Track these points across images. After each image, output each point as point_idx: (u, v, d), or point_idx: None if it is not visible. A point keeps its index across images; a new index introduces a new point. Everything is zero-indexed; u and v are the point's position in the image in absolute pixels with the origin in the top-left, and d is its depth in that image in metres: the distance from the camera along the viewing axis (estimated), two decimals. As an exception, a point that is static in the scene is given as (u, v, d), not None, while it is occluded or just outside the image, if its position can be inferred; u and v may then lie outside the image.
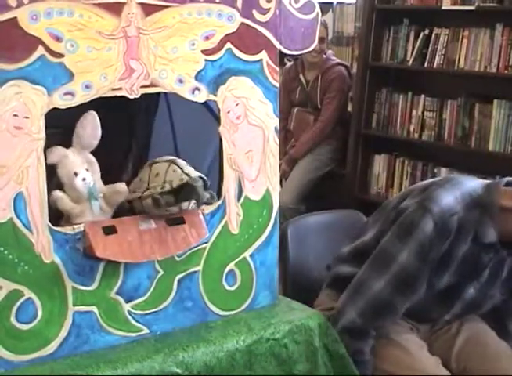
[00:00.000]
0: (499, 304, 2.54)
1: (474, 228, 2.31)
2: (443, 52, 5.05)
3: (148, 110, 2.33)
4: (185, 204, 1.97)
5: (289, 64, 5.50)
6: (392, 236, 2.31)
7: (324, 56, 5.29)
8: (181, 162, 2.02)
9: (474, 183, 2.40)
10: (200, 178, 1.97)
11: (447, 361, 2.45)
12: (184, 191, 1.95)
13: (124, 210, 1.98)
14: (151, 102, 2.29)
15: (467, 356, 2.47)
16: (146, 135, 2.34)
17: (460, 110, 5.01)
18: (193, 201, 1.98)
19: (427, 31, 5.15)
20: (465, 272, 2.36)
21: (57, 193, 1.87)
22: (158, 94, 2.20)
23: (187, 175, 1.96)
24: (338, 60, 5.41)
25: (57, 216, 1.88)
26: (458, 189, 2.34)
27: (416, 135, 5.18)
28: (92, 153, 1.94)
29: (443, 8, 5.00)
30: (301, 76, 5.38)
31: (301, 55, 4.61)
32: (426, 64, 5.14)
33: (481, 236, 2.32)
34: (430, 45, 5.12)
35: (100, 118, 1.91)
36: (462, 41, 4.97)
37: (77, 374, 1.81)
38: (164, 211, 1.96)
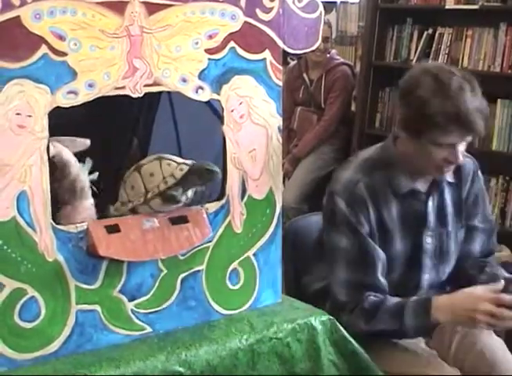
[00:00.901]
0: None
1: (387, 186, 2.40)
2: (447, 52, 5.05)
3: (150, 109, 2.32)
4: (189, 192, 1.98)
5: (292, 63, 5.49)
6: (326, 231, 2.40)
7: (328, 55, 5.29)
8: (168, 156, 2.02)
9: (368, 150, 2.53)
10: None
11: (444, 354, 2.45)
12: (189, 180, 1.96)
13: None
14: (153, 101, 2.29)
15: (465, 349, 2.47)
16: (146, 133, 2.34)
17: (464, 110, 5.00)
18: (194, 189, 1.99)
19: (430, 31, 5.14)
20: (412, 228, 2.43)
21: (58, 145, 1.88)
22: (160, 93, 2.20)
23: (184, 164, 1.97)
24: (342, 60, 5.41)
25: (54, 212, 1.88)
26: (353, 163, 2.47)
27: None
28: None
29: (447, 7, 4.99)
30: (305, 75, 5.37)
31: (304, 54, 4.60)
32: (429, 64, 5.13)
33: (396, 189, 2.40)
34: (434, 44, 5.11)
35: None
36: (465, 41, 4.97)
37: (80, 373, 1.81)
38: (174, 205, 1.96)
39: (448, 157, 2.31)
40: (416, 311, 2.30)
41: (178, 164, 1.99)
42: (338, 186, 2.38)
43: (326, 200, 2.42)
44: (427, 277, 2.50)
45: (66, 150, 1.96)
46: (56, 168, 1.92)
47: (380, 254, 2.37)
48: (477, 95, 2.29)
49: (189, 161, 1.99)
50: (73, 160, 1.98)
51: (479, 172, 2.58)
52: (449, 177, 2.48)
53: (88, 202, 1.98)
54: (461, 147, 2.31)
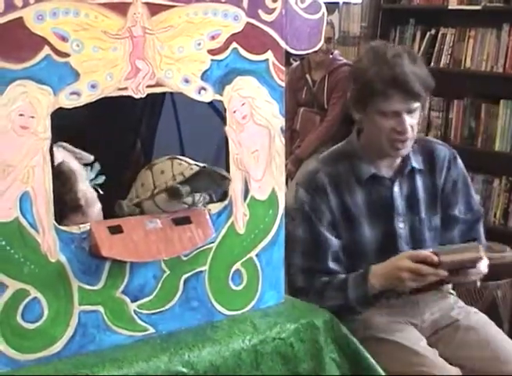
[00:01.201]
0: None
1: (350, 175, 2.47)
2: (449, 52, 5.06)
3: (153, 111, 2.33)
4: (197, 195, 1.98)
5: (295, 64, 5.49)
6: (288, 221, 2.38)
7: (331, 56, 5.29)
8: (182, 157, 2.03)
9: (333, 147, 2.64)
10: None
11: (445, 353, 2.46)
12: (198, 180, 1.96)
13: (135, 215, 1.98)
14: (156, 102, 2.29)
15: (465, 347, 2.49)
16: (150, 134, 2.34)
17: (467, 110, 5.02)
18: (204, 194, 1.99)
19: (433, 31, 5.15)
20: (381, 215, 2.49)
21: (83, 185, 1.92)
22: (163, 95, 2.20)
23: (196, 165, 1.98)
24: (345, 60, 5.40)
25: (61, 215, 1.88)
26: (316, 157, 2.60)
27: (423, 135, 5.17)
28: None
29: (449, 7, 5.00)
30: (308, 76, 5.37)
31: (307, 55, 4.60)
32: (432, 64, 5.14)
33: (359, 176, 2.47)
34: (437, 44, 5.12)
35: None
36: (468, 41, 4.98)
37: (82, 374, 1.81)
38: (179, 204, 1.96)
39: (396, 126, 2.38)
40: (356, 282, 2.37)
41: (190, 164, 1.99)
42: (301, 178, 2.50)
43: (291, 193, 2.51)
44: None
45: (73, 159, 1.97)
46: (65, 178, 1.93)
47: (332, 242, 2.43)
48: (416, 64, 2.38)
49: (202, 164, 2.00)
50: (80, 169, 1.98)
51: (458, 160, 2.61)
52: (417, 164, 2.53)
53: (97, 207, 1.98)
54: (408, 118, 2.37)
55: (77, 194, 1.96)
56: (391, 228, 2.50)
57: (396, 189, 2.51)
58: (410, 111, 2.38)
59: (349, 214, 2.46)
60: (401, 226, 2.51)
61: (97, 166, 2.05)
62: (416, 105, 2.39)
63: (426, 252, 2.26)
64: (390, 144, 2.43)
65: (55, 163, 1.85)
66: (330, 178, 2.45)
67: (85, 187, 1.98)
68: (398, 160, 2.52)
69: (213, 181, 1.99)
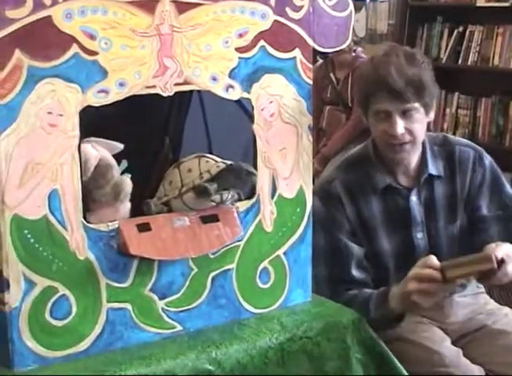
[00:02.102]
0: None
1: (365, 183, 2.43)
2: (477, 50, 5.03)
3: (181, 109, 2.33)
4: (225, 193, 1.98)
5: (319, 62, 5.48)
6: None
7: (353, 53, 5.27)
8: (209, 155, 2.04)
9: (351, 151, 2.59)
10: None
11: (471, 356, 2.43)
12: (225, 177, 1.97)
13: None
14: (183, 100, 2.29)
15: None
16: (178, 133, 2.34)
17: (495, 108, 4.99)
18: (232, 192, 1.99)
19: (461, 29, 5.13)
20: (398, 224, 2.45)
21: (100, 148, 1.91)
22: (191, 93, 2.21)
23: (222, 162, 1.98)
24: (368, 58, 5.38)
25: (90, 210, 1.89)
26: (337, 162, 2.56)
27: (450, 133, 5.15)
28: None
29: (477, 5, 4.97)
30: (332, 74, 5.35)
31: (335, 53, 4.58)
32: (460, 62, 5.12)
33: (374, 185, 2.43)
34: (465, 42, 5.10)
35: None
36: (496, 39, 4.95)
37: (110, 371, 1.82)
38: (207, 202, 1.97)
39: (387, 128, 2.34)
40: (378, 302, 2.32)
41: (217, 162, 2.00)
42: (316, 186, 2.43)
43: None
44: None
45: (107, 153, 1.97)
46: (105, 170, 1.93)
47: (354, 249, 2.40)
48: (411, 64, 2.33)
49: (229, 162, 2.00)
50: (115, 163, 1.98)
51: (484, 159, 2.53)
52: (436, 170, 2.47)
53: (128, 204, 1.98)
54: (403, 121, 2.32)
55: (119, 184, 1.95)
56: (409, 238, 2.46)
57: (414, 198, 2.45)
58: (404, 112, 2.32)
59: (366, 224, 2.43)
60: (419, 237, 2.47)
61: (124, 163, 2.05)
62: (410, 106, 2.32)
63: (429, 271, 2.13)
64: (387, 148, 2.40)
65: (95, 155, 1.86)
66: (345, 188, 2.42)
67: (126, 179, 1.97)
68: (414, 166, 2.46)
69: (239, 177, 1.99)
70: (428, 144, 2.48)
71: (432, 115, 2.43)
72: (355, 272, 2.40)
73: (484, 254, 2.14)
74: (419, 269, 2.16)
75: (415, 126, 2.35)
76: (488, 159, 2.55)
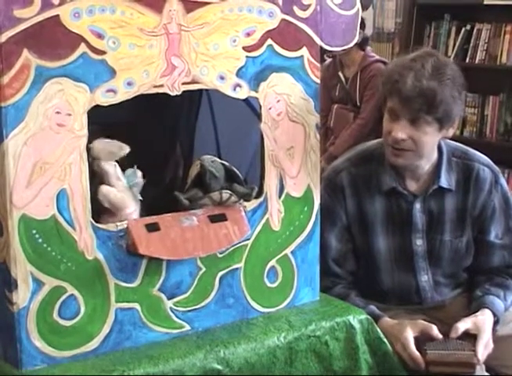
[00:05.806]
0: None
1: (372, 181, 2.42)
2: (485, 48, 5.02)
3: (191, 108, 2.33)
4: (215, 194, 1.99)
5: (328, 61, 5.47)
6: None
7: (362, 52, 5.26)
8: (207, 157, 2.04)
9: (369, 143, 2.56)
10: (226, 169, 2.03)
11: None
12: (203, 181, 1.99)
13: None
14: (193, 99, 2.29)
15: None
16: (189, 133, 2.34)
17: (502, 106, 4.98)
18: (228, 193, 2.00)
19: (468, 27, 5.12)
20: (397, 227, 2.44)
21: (105, 188, 1.87)
22: (201, 93, 2.21)
23: (201, 166, 2.00)
24: (377, 57, 5.37)
25: (99, 213, 1.89)
26: (350, 152, 2.55)
27: (458, 132, 5.14)
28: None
29: (485, 3, 4.96)
30: (340, 73, 5.34)
31: (343, 51, 4.58)
32: (467, 60, 5.11)
33: (380, 186, 2.42)
34: (472, 40, 5.09)
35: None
36: (504, 37, 4.94)
37: (119, 370, 1.82)
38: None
39: (391, 129, 2.33)
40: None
41: (198, 164, 2.03)
42: (325, 173, 2.46)
43: None
44: (425, 279, 2.49)
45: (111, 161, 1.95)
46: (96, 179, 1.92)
47: (332, 243, 2.42)
48: (432, 76, 2.27)
49: (214, 165, 2.02)
50: (114, 171, 1.96)
51: (500, 182, 2.50)
52: (447, 183, 2.42)
53: (130, 210, 1.96)
54: (411, 129, 2.29)
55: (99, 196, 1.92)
56: (408, 243, 2.45)
57: (418, 205, 2.43)
58: (413, 121, 2.28)
59: (365, 218, 2.43)
60: (418, 243, 2.45)
61: (138, 173, 2.03)
62: (418, 116, 2.27)
63: (414, 352, 2.20)
64: (387, 148, 2.38)
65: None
66: (352, 181, 2.42)
67: (110, 190, 1.94)
68: (425, 174, 2.43)
69: (214, 179, 2.00)
70: (446, 154, 2.44)
71: (451, 132, 2.38)
72: (333, 266, 2.43)
73: (468, 353, 2.23)
74: (411, 346, 2.22)
75: (422, 137, 2.30)
76: (503, 182, 2.52)
